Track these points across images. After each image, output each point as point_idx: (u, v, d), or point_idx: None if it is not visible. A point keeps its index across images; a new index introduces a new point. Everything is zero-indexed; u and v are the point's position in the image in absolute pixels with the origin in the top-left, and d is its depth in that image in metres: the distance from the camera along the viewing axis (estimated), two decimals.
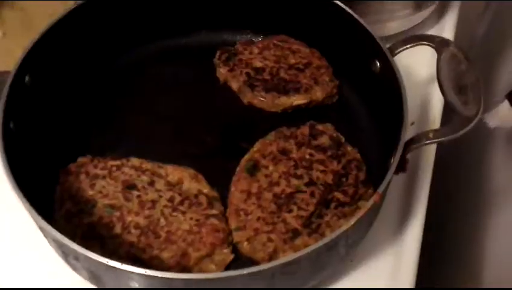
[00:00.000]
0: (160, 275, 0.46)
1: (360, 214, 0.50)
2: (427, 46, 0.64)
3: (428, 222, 0.67)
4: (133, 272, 0.47)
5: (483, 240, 0.82)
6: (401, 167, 0.56)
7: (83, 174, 0.62)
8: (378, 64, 0.65)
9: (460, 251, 0.91)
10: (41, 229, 0.53)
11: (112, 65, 0.74)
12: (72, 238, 0.49)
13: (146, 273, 0.46)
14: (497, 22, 0.87)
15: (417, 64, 0.75)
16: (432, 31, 0.82)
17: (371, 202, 0.51)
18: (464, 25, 0.85)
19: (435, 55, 0.78)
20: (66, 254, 0.52)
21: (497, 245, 0.79)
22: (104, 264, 0.48)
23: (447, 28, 0.83)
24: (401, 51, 0.63)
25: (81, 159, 0.64)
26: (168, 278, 0.47)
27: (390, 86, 0.62)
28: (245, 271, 0.46)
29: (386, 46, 0.63)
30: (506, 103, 0.67)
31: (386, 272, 0.60)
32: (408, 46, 0.63)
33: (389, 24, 0.80)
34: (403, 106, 0.58)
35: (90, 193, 0.60)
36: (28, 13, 0.74)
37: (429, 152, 0.68)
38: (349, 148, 0.66)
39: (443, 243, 0.98)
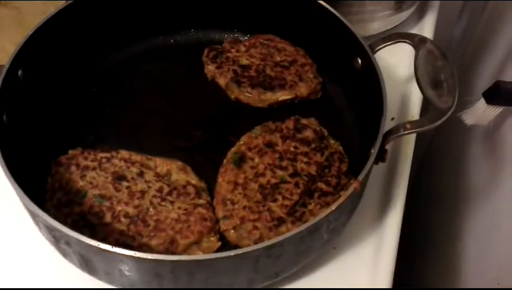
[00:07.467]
0: (149, 257, 0.48)
1: (341, 200, 0.53)
2: (406, 47, 0.66)
3: (409, 219, 0.69)
4: (123, 255, 0.49)
5: (461, 236, 0.84)
6: (381, 157, 0.58)
7: (73, 165, 0.64)
8: (360, 61, 0.67)
9: (439, 247, 0.93)
10: (33, 215, 0.54)
11: (103, 62, 0.76)
12: None
13: (136, 256, 0.48)
14: (474, 23, 0.91)
15: (397, 64, 0.78)
16: (411, 31, 0.85)
17: (351, 189, 0.54)
18: (442, 25, 0.88)
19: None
20: (57, 239, 0.54)
21: (474, 242, 0.81)
22: (95, 247, 0.49)
23: (426, 28, 0.86)
24: (381, 48, 0.65)
25: (72, 151, 0.65)
26: (157, 260, 0.48)
27: (371, 82, 0.64)
28: (232, 253, 0.49)
29: (367, 44, 0.66)
30: (482, 100, 0.70)
31: (367, 259, 0.62)
32: (388, 43, 0.66)
33: (370, 24, 0.82)
34: (382, 99, 0.60)
35: (81, 183, 0.62)
36: (21, 11, 0.76)
37: (408, 144, 0.71)
38: (332, 141, 0.68)
39: (424, 239, 1.00)
